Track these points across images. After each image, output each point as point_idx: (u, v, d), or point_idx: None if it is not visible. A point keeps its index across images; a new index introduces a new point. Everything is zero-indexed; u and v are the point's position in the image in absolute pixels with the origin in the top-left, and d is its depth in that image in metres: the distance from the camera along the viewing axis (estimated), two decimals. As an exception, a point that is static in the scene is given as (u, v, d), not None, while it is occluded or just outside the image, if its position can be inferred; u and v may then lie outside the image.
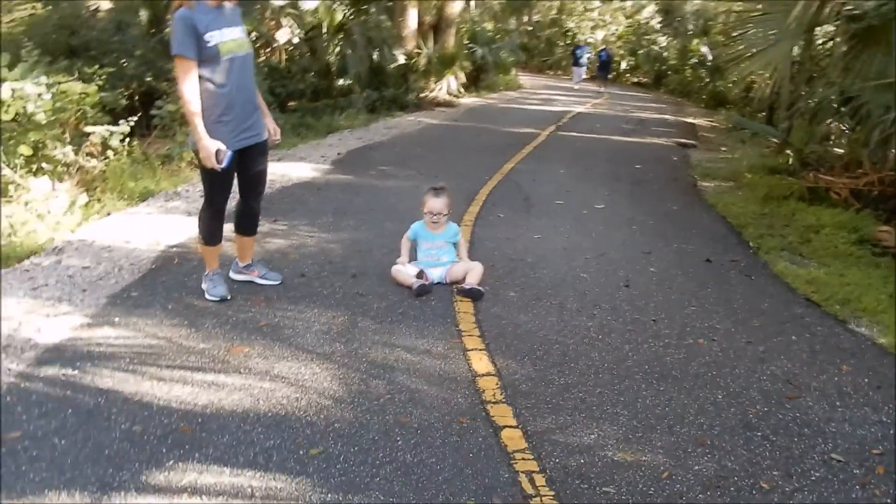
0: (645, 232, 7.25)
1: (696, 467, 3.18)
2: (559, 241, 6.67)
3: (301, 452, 3.09)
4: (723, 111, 20.64)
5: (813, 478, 3.16)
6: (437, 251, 5.38)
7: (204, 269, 4.82)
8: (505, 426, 3.39)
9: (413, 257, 5.43)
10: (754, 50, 9.97)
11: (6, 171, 6.62)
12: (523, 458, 3.14)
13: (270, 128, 4.70)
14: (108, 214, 6.60)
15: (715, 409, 3.72)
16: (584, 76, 29.15)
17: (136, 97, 10.48)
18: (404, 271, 5.19)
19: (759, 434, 3.50)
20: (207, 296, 4.71)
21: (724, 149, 13.91)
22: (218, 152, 4.22)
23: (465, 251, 5.55)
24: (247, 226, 4.88)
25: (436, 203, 5.35)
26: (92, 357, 3.84)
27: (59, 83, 7.60)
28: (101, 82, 8.52)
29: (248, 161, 4.56)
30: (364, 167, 9.76)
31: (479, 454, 3.16)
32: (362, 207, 7.40)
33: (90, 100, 7.91)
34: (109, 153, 7.75)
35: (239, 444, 3.12)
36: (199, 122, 4.21)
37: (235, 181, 4.64)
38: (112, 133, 7.75)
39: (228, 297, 4.69)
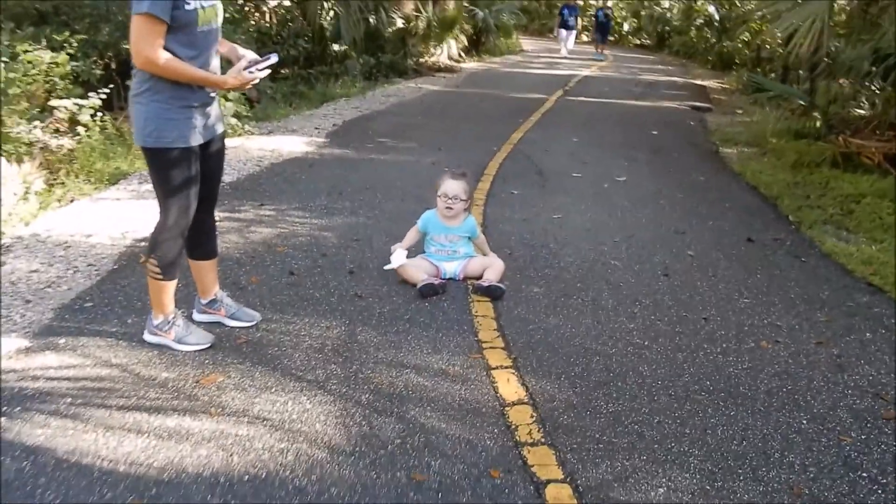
0: (674, 207, 6.55)
1: (797, 528, 2.48)
2: (582, 222, 5.93)
3: (287, 530, 2.34)
4: (732, 73, 19.79)
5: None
6: (451, 244, 4.60)
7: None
8: (549, 480, 2.65)
9: (421, 249, 4.66)
10: (782, 9, 9.37)
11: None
12: (576, 527, 2.42)
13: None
14: (72, 201, 5.80)
15: (802, 439, 3.02)
16: (576, 40, 27.25)
17: (113, 67, 9.65)
18: (413, 265, 4.43)
19: (864, 475, 2.81)
20: (180, 347, 3.49)
21: (740, 111, 13.18)
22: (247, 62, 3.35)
23: (486, 247, 4.77)
24: (206, 245, 3.71)
25: (451, 185, 4.53)
26: (25, 398, 3.00)
27: (26, 52, 6.82)
28: (72, 51, 7.70)
29: (209, 159, 3.50)
30: (361, 139, 8.94)
31: (519, 522, 2.43)
32: (360, 186, 6.62)
33: (60, 70, 7.12)
34: (80, 129, 6.96)
35: (205, 522, 2.36)
36: (201, 74, 3.25)
37: None
38: (81, 107, 6.96)
39: (211, 341, 3.58)
